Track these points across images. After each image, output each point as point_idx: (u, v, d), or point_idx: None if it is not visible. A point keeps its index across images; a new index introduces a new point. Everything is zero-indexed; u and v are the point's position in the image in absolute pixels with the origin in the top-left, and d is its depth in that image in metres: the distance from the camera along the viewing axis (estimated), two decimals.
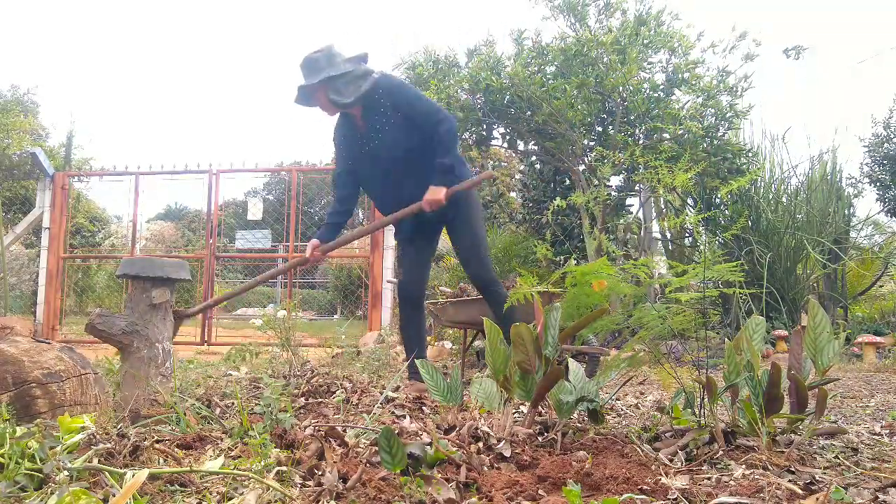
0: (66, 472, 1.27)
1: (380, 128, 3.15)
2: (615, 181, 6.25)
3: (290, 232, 7.22)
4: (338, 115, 3.32)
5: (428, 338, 5.46)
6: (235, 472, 1.34)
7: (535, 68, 5.52)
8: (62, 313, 7.65)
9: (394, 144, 3.08)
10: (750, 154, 5.76)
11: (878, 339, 5.08)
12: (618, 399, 2.70)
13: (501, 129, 6.25)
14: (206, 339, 7.09)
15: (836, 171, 6.51)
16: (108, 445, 1.43)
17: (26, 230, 8.16)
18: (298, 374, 2.85)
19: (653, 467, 1.55)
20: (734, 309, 5.52)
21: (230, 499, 1.27)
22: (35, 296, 7.90)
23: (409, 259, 3.24)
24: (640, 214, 6.53)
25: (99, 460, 1.36)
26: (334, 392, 2.51)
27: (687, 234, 6.57)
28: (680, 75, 5.34)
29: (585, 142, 5.92)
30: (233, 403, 2.21)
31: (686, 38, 5.33)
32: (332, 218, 3.24)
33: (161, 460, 1.49)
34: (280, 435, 1.67)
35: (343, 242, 3.43)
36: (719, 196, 5.83)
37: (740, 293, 5.22)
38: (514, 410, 2.04)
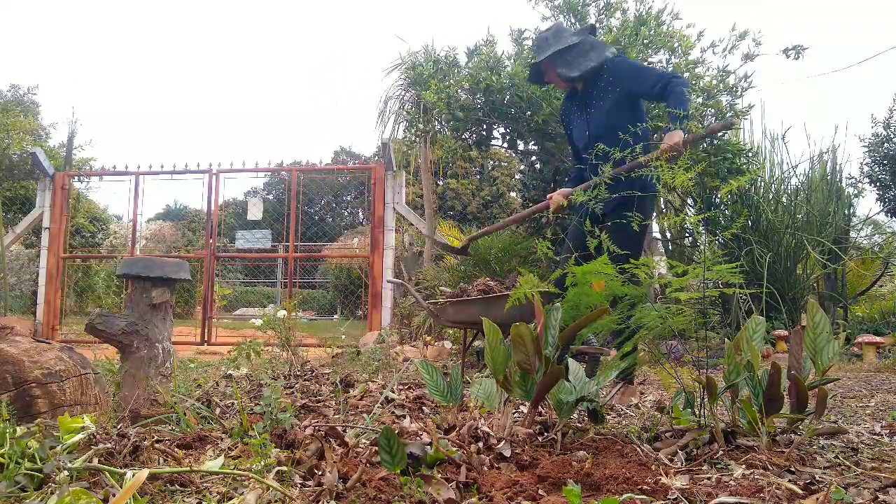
0: (66, 472, 1.27)
1: (597, 102, 3.23)
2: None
3: (290, 232, 7.22)
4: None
5: (427, 338, 5.46)
6: (235, 472, 1.34)
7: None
8: (62, 313, 7.65)
9: (605, 120, 3.14)
10: (750, 154, 5.75)
11: (878, 339, 5.08)
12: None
13: (501, 129, 6.25)
14: (206, 339, 7.09)
15: (836, 171, 6.51)
16: (108, 445, 1.43)
17: (26, 230, 8.16)
18: (299, 374, 2.85)
19: (653, 467, 1.55)
20: (734, 309, 5.52)
21: (230, 499, 1.27)
22: (35, 296, 7.91)
23: (567, 252, 3.15)
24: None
25: (99, 460, 1.36)
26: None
27: (687, 234, 6.57)
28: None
29: None
30: (233, 403, 2.21)
31: (686, 38, 5.33)
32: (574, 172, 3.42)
33: (161, 460, 1.49)
34: (280, 435, 1.67)
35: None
36: (719, 196, 5.83)
37: (740, 293, 5.22)
38: (514, 410, 2.04)
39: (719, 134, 5.37)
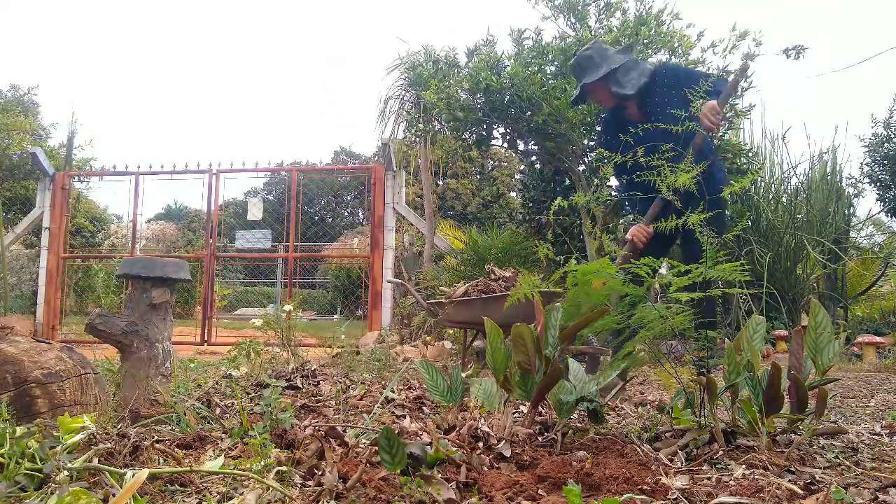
0: (66, 472, 1.27)
1: (660, 109, 3.21)
2: (616, 181, 6.24)
3: (290, 232, 7.22)
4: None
5: (427, 338, 5.46)
6: (235, 472, 1.34)
7: (536, 68, 5.52)
8: (62, 313, 7.65)
9: (671, 121, 3.05)
10: (750, 154, 5.76)
11: (878, 339, 5.08)
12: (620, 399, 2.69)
13: (501, 129, 6.25)
14: (206, 339, 7.09)
15: (836, 171, 6.51)
16: (108, 445, 1.43)
17: (26, 230, 8.16)
18: (304, 374, 2.85)
19: (653, 467, 1.55)
20: (734, 309, 5.52)
21: (230, 499, 1.27)
22: (35, 296, 7.91)
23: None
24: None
25: (99, 460, 1.36)
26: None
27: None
28: None
29: (585, 142, 5.92)
30: (233, 403, 2.21)
31: (686, 38, 5.34)
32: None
33: (161, 460, 1.49)
34: (280, 435, 1.67)
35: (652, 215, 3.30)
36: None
37: (740, 293, 5.22)
38: (514, 410, 2.04)
39: (720, 134, 5.37)
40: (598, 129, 6.04)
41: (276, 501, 1.25)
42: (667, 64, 3.36)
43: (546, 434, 1.88)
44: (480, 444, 1.68)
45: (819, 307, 1.85)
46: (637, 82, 3.28)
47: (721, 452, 1.65)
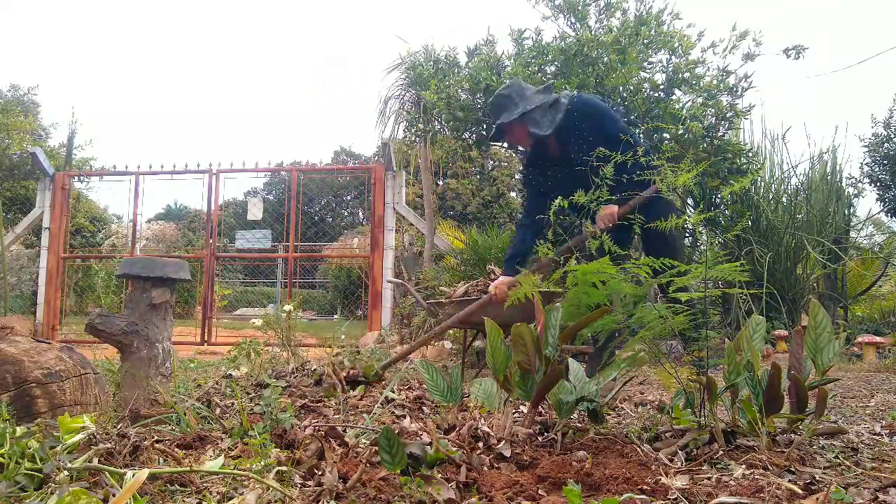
0: (66, 472, 1.27)
1: (574, 144, 3.30)
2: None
3: (290, 232, 7.22)
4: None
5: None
6: (235, 472, 1.34)
7: (536, 68, 5.52)
8: (62, 313, 7.65)
9: (585, 153, 3.12)
10: (750, 154, 5.75)
11: (878, 339, 5.08)
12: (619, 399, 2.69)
13: None
14: (206, 339, 7.10)
15: (836, 171, 6.50)
16: (108, 445, 1.43)
17: (26, 230, 8.16)
18: (298, 372, 2.85)
19: (653, 467, 1.55)
20: (734, 309, 5.52)
21: (230, 499, 1.27)
22: (35, 296, 7.91)
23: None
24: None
25: (99, 460, 1.36)
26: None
27: (687, 234, 6.57)
28: (680, 75, 5.34)
29: None
30: (233, 403, 2.21)
31: (687, 38, 5.33)
32: (517, 250, 3.42)
33: (161, 460, 1.49)
34: (280, 435, 1.67)
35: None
36: (720, 196, 5.83)
37: (740, 293, 5.21)
38: (514, 410, 2.04)
39: (719, 133, 5.37)
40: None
41: (276, 501, 1.25)
42: (581, 97, 3.42)
43: (546, 434, 1.88)
44: (480, 444, 1.68)
45: (819, 307, 1.85)
46: (553, 121, 3.34)
47: (721, 452, 1.65)
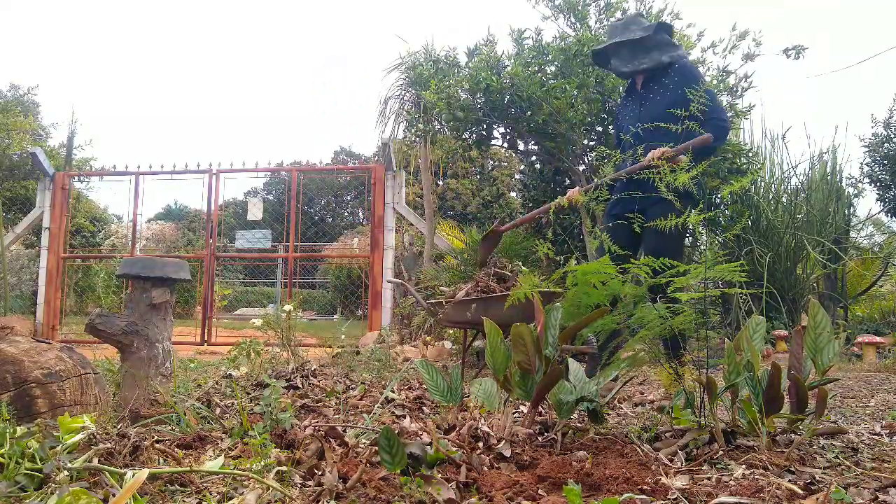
0: (66, 472, 1.27)
1: (653, 100, 3.30)
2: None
3: (290, 232, 7.22)
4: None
5: (427, 338, 5.46)
6: (235, 472, 1.34)
7: (536, 68, 5.52)
8: (62, 313, 7.65)
9: (657, 118, 3.14)
10: (750, 154, 5.76)
11: (878, 339, 5.08)
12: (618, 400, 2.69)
13: (501, 129, 6.25)
14: (206, 339, 7.09)
15: (836, 171, 6.51)
16: (108, 445, 1.43)
17: (26, 230, 8.16)
18: (298, 372, 2.85)
19: (653, 467, 1.55)
20: (734, 309, 5.52)
21: (230, 499, 1.27)
22: (35, 296, 7.91)
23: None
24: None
25: (99, 460, 1.36)
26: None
27: (687, 234, 6.57)
28: None
29: (586, 142, 5.92)
30: (233, 403, 2.21)
31: (687, 38, 5.34)
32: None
33: (161, 460, 1.49)
34: (280, 435, 1.67)
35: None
36: (720, 196, 5.83)
37: (740, 293, 5.22)
38: (514, 410, 2.04)
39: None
40: (598, 129, 6.06)
41: (276, 501, 1.25)
42: (683, 60, 3.35)
43: (546, 434, 1.88)
44: (480, 444, 1.68)
45: (818, 307, 1.85)
46: (636, 65, 3.32)
47: (721, 452, 1.65)
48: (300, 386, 2.68)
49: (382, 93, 7.43)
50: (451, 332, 5.58)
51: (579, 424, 2.04)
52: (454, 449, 1.57)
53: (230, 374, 2.86)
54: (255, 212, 9.33)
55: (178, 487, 1.31)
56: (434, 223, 7.57)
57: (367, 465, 1.47)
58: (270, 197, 29.45)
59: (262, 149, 66.64)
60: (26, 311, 8.98)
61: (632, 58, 3.32)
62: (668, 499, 1.33)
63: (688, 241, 6.64)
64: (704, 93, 3.10)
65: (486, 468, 1.53)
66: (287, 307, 3.83)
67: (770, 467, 1.51)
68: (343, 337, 5.12)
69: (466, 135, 6.14)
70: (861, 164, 8.00)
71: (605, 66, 3.62)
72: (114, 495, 1.18)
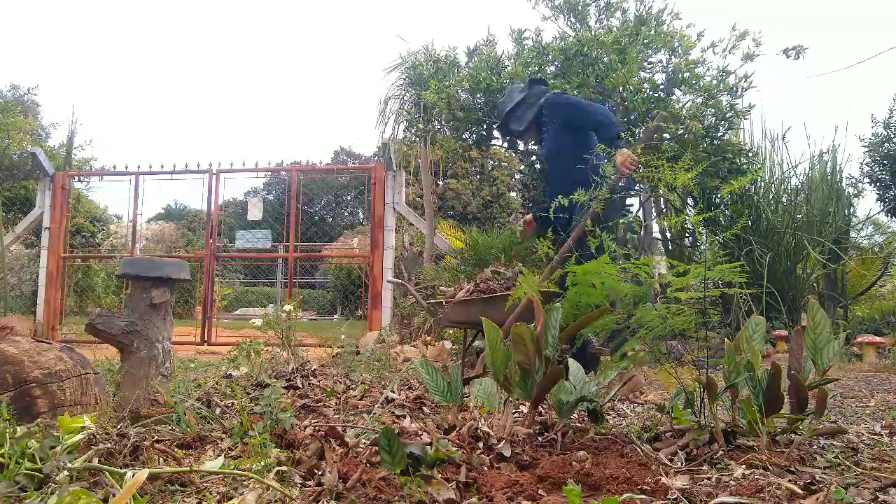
0: (66, 472, 1.27)
1: (547, 136, 3.92)
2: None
3: (290, 232, 7.22)
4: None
5: (427, 338, 5.46)
6: (235, 472, 1.34)
7: (536, 68, 5.52)
8: (62, 313, 7.65)
9: (554, 146, 3.80)
10: (750, 154, 5.75)
11: (878, 339, 5.08)
12: (619, 400, 2.69)
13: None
14: (206, 339, 7.09)
15: (836, 170, 6.50)
16: (108, 445, 1.43)
17: (26, 230, 8.16)
18: (298, 372, 2.85)
19: (653, 467, 1.55)
20: (734, 309, 5.52)
21: (230, 499, 1.27)
22: (35, 296, 7.91)
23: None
24: (641, 214, 6.53)
25: (99, 460, 1.36)
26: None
27: (687, 234, 6.56)
28: (680, 75, 5.34)
29: None
30: (233, 403, 2.21)
31: (687, 38, 5.33)
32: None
33: (161, 460, 1.49)
34: (280, 435, 1.67)
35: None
36: (720, 196, 5.83)
37: (740, 293, 5.21)
38: (514, 410, 2.04)
39: (719, 133, 5.37)
40: None
41: (276, 501, 1.25)
42: (552, 95, 3.91)
43: (546, 434, 1.88)
44: (480, 444, 1.68)
45: (818, 307, 1.85)
46: (528, 118, 3.91)
47: (721, 452, 1.65)
48: (300, 386, 2.68)
49: (382, 93, 7.43)
50: (451, 332, 5.58)
51: (579, 424, 2.04)
52: (454, 449, 1.57)
53: (230, 374, 2.86)
54: (255, 212, 9.32)
55: (178, 487, 1.31)
56: (434, 223, 7.57)
57: (367, 465, 1.47)
58: (270, 197, 29.43)
59: (262, 149, 66.73)
60: (26, 311, 8.98)
61: (523, 116, 3.91)
62: (668, 499, 1.33)
63: (688, 241, 6.64)
64: (572, 107, 3.78)
65: (486, 468, 1.53)
66: (287, 307, 3.83)
67: (770, 467, 1.51)
68: (343, 337, 5.12)
69: (466, 135, 6.14)
70: (861, 164, 7.99)
71: (510, 135, 4.24)
72: (114, 495, 1.18)
